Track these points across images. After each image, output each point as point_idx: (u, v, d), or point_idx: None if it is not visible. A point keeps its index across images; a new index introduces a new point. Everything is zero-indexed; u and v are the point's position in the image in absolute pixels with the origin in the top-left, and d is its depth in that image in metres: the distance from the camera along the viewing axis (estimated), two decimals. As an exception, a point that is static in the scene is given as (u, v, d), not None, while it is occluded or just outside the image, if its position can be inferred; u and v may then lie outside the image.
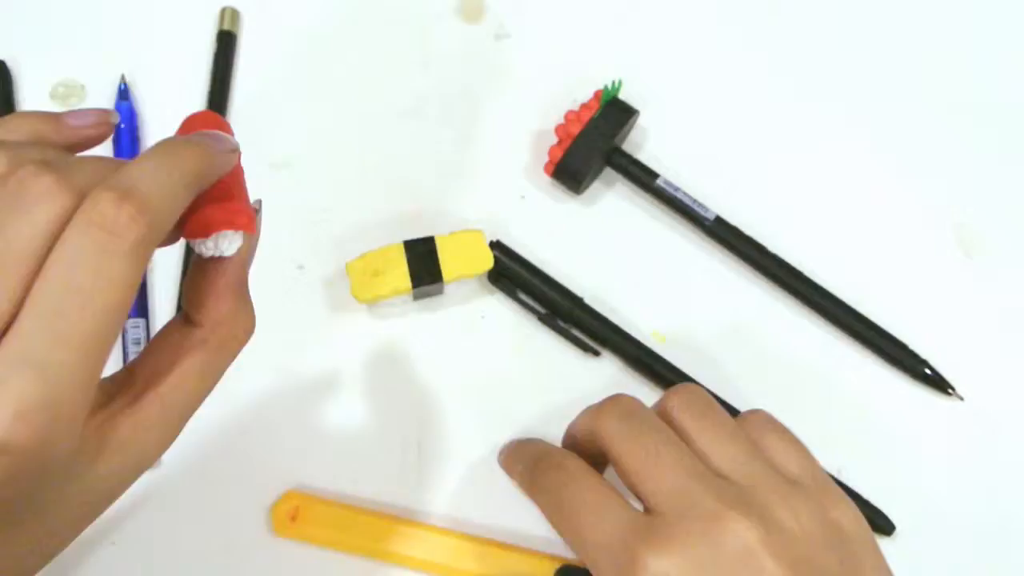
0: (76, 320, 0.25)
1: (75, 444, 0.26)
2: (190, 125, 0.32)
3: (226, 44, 0.52)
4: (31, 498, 0.26)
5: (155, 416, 0.29)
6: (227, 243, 0.30)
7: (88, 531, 0.30)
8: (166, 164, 0.27)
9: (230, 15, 0.53)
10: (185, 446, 0.46)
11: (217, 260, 0.31)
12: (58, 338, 0.24)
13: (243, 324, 0.31)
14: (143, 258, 0.26)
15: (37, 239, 0.25)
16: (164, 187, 0.27)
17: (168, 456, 0.45)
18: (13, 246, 0.25)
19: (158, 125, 0.51)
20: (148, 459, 0.30)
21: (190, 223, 0.30)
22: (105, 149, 0.50)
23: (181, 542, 0.44)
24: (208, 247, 0.30)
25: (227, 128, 0.32)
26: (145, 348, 0.31)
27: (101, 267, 0.25)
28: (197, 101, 0.51)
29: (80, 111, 0.31)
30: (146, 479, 0.45)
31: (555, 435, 0.47)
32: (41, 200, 0.25)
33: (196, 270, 0.31)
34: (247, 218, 0.31)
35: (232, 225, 0.30)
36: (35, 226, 0.25)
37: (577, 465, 0.37)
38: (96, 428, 0.28)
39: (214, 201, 0.30)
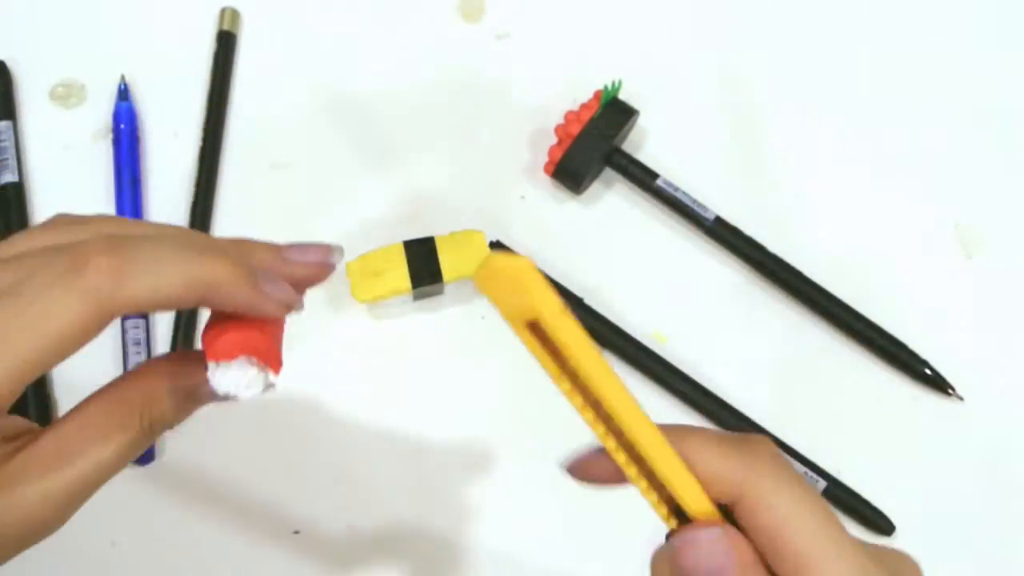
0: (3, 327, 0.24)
1: None
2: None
3: (226, 44, 0.52)
4: None
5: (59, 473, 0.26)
6: (250, 381, 0.28)
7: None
8: (180, 254, 0.26)
9: (230, 15, 0.53)
10: (185, 446, 0.46)
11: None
12: None
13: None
14: (98, 313, 0.25)
15: None
16: (160, 269, 0.25)
17: (168, 458, 0.46)
18: None
19: (158, 125, 0.51)
20: (36, 520, 0.27)
21: (211, 344, 0.27)
22: (105, 147, 0.50)
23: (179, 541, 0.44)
24: (228, 377, 0.27)
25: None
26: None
27: (53, 294, 0.24)
28: (197, 101, 0.51)
29: (303, 247, 0.30)
30: (147, 480, 0.45)
31: (554, 436, 0.47)
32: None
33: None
34: (274, 356, 0.28)
35: (256, 353, 0.27)
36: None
37: None
38: None
39: (242, 329, 0.28)
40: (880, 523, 0.46)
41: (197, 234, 0.29)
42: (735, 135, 0.53)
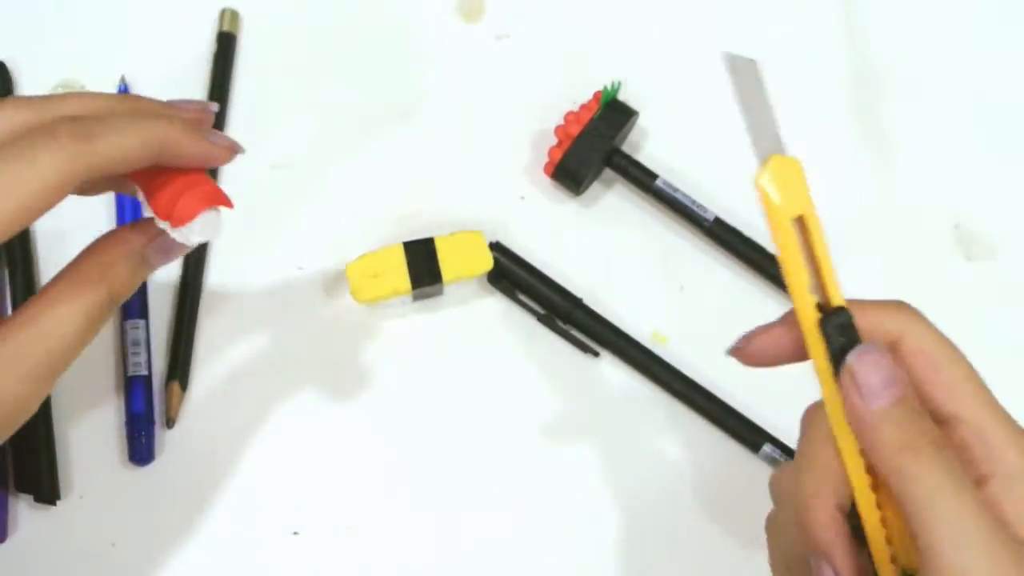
0: None
1: None
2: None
3: (226, 45, 0.52)
4: None
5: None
6: (211, 226, 0.31)
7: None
8: (138, 119, 0.29)
9: (230, 16, 0.53)
10: (185, 446, 0.46)
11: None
12: None
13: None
14: (70, 170, 0.27)
15: None
16: (122, 131, 0.28)
17: (168, 458, 0.46)
18: None
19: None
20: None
21: (168, 207, 0.31)
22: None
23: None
24: (194, 231, 0.31)
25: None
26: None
27: (29, 154, 0.27)
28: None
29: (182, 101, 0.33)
30: (147, 480, 0.45)
31: (554, 436, 0.47)
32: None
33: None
34: (224, 195, 0.32)
35: (214, 202, 0.31)
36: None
37: None
38: None
39: (189, 187, 0.31)
40: (880, 523, 0.46)
41: (142, 100, 0.32)
42: (735, 135, 0.53)
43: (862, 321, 0.29)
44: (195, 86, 0.52)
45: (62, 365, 0.30)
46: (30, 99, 0.30)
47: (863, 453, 0.28)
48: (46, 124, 0.28)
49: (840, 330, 0.29)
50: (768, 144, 0.33)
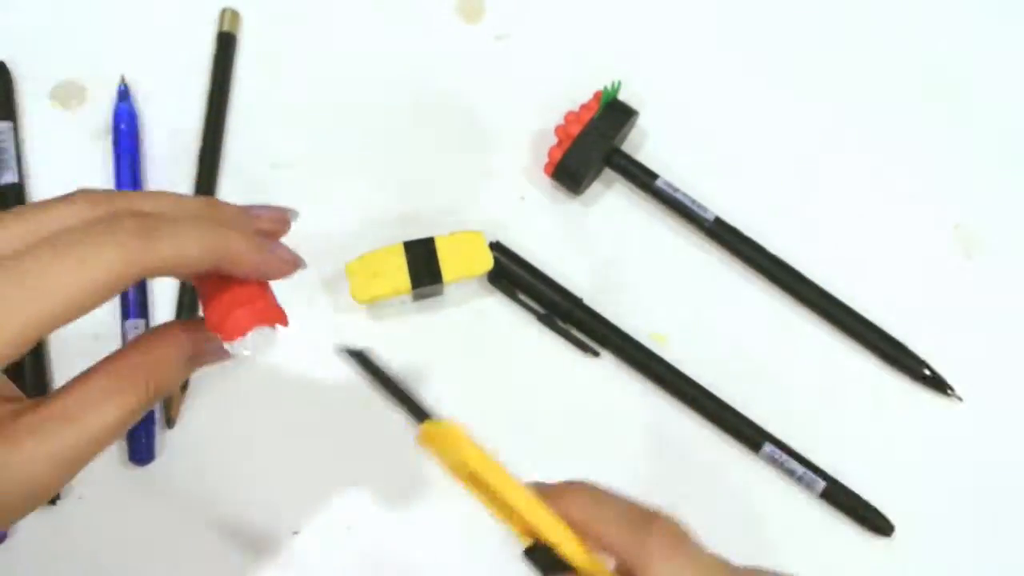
0: (38, 279, 0.26)
1: None
2: None
3: (226, 45, 0.52)
4: None
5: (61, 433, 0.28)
6: (263, 341, 0.30)
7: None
8: (201, 223, 0.29)
9: (230, 16, 0.53)
10: (185, 446, 0.46)
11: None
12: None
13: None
14: (127, 268, 0.27)
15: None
16: (183, 234, 0.28)
17: (168, 458, 0.46)
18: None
19: (158, 125, 0.51)
20: (37, 479, 0.28)
21: (221, 320, 0.30)
22: (105, 147, 0.50)
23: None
24: (247, 346, 0.30)
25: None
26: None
27: (90, 245, 0.26)
28: (197, 102, 0.51)
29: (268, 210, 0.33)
30: (147, 480, 0.45)
31: (554, 436, 0.47)
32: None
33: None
34: (280, 312, 0.31)
35: (267, 320, 0.30)
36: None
37: None
38: None
39: (244, 302, 0.30)
40: (879, 523, 0.46)
41: (219, 205, 0.31)
42: (735, 135, 0.53)
43: (604, 541, 0.31)
44: (195, 86, 0.52)
45: (92, 456, 0.29)
46: (105, 193, 0.29)
47: None
48: (112, 218, 0.28)
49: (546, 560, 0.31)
50: (417, 413, 0.33)
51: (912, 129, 0.54)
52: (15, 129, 0.50)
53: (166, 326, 0.31)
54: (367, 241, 0.48)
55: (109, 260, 0.26)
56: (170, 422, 0.46)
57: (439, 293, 0.48)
